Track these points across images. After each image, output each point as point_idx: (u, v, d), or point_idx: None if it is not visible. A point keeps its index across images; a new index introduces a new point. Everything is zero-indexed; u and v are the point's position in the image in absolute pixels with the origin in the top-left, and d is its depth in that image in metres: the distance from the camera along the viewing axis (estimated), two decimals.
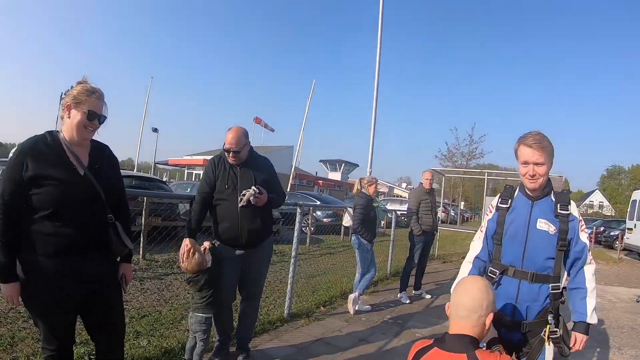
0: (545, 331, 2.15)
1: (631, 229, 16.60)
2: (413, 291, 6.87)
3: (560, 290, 2.20)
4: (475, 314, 1.71)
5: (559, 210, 2.20)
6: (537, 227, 2.21)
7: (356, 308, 5.47)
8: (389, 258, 8.52)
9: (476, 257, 2.46)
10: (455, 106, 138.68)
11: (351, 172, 48.11)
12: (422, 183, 6.91)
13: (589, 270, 2.23)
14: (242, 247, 3.41)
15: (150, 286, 5.52)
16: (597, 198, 73.14)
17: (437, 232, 7.65)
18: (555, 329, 2.14)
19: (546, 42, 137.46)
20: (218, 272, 3.23)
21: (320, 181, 41.23)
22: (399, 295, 6.50)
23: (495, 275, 2.29)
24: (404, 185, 76.01)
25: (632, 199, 17.47)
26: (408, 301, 6.35)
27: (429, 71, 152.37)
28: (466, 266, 2.49)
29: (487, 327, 1.75)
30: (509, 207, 2.33)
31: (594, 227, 23.45)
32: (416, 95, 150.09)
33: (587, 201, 72.72)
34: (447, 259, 11.71)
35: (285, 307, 4.94)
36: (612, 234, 21.38)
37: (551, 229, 2.18)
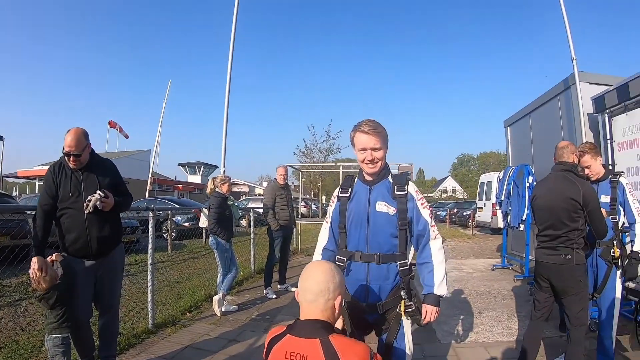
0: (400, 306, 2.26)
1: (481, 208, 18.78)
2: (279, 286, 7.08)
3: (408, 267, 2.29)
4: (322, 298, 1.69)
5: (395, 192, 2.29)
6: (377, 209, 2.28)
7: (223, 309, 5.50)
8: (252, 256, 8.56)
9: (324, 249, 2.53)
10: (312, 105, 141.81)
11: (211, 173, 46.93)
12: (276, 179, 7.05)
13: (435, 245, 2.33)
14: (92, 257, 3.24)
15: (4, 315, 5.00)
16: (450, 183, 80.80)
17: (295, 225, 7.79)
18: (409, 303, 2.26)
19: (397, 38, 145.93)
20: (70, 285, 3.06)
21: (180, 185, 39.74)
22: (264, 292, 6.65)
23: (343, 263, 2.35)
24: (264, 184, 76.50)
25: (480, 181, 19.91)
26: (274, 296, 6.53)
27: (285, 70, 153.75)
28: (316, 258, 2.53)
29: (337, 310, 1.74)
30: (349, 196, 2.41)
31: (448, 209, 26.39)
32: (272, 97, 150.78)
33: (441, 187, 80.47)
34: (311, 252, 11.99)
35: (149, 317, 4.79)
36: (464, 213, 23.40)
37: (390, 209, 2.27)
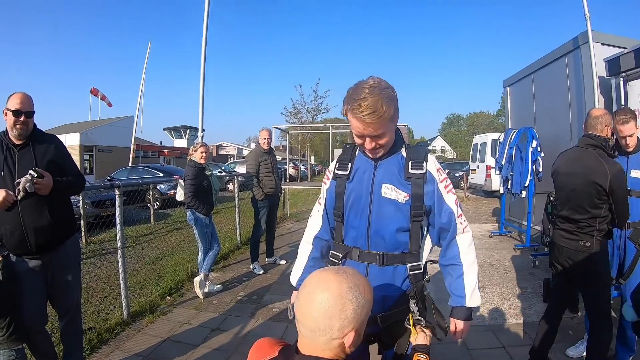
0: (408, 319, 1.72)
1: (475, 170, 18.38)
2: (266, 259, 6.66)
3: (422, 270, 1.80)
4: (322, 337, 1.17)
5: (410, 170, 1.75)
6: (382, 194, 1.75)
7: (205, 290, 5.07)
8: (237, 226, 7.89)
9: (316, 237, 2.02)
10: (299, 63, 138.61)
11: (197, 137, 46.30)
12: (259, 143, 6.39)
13: (464, 240, 1.82)
14: (33, 253, 2.68)
15: None
16: (439, 143, 79.49)
17: (281, 193, 7.15)
18: (419, 318, 1.72)
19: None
20: (11, 292, 2.55)
21: (166, 150, 38.87)
22: (251, 267, 6.23)
23: (338, 260, 1.85)
24: (252, 145, 75.80)
25: (473, 142, 19.42)
26: (262, 272, 6.11)
27: (268, 28, 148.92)
28: (305, 247, 2.05)
29: (348, 346, 1.19)
30: (348, 174, 1.86)
31: None
32: (257, 53, 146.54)
33: (430, 147, 79.79)
34: (300, 217, 11.76)
35: (124, 307, 4.29)
36: (456, 175, 22.66)
37: (401, 196, 1.73)
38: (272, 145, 6.61)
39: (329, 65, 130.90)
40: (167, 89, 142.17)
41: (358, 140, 1.74)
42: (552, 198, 5.86)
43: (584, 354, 3.40)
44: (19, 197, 2.53)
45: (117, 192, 4.28)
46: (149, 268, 6.17)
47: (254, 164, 6.20)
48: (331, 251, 1.94)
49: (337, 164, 1.92)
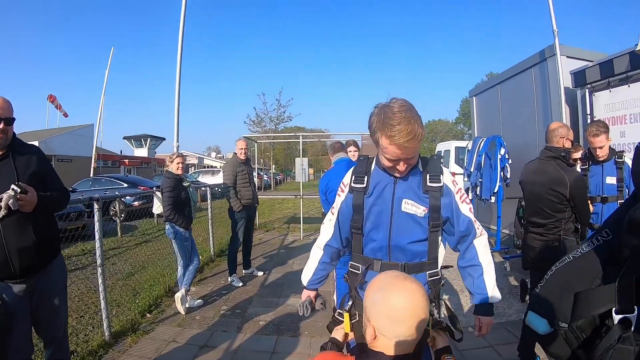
0: (429, 322, 1.77)
1: None
2: (243, 271, 6.58)
3: (439, 275, 1.93)
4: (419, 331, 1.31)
5: (428, 184, 1.85)
6: (402, 209, 1.85)
7: (187, 306, 4.94)
8: (210, 237, 7.72)
9: (327, 245, 2.14)
10: (263, 72, 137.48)
11: (158, 146, 45.16)
12: (235, 153, 6.32)
13: (480, 242, 1.96)
14: (18, 277, 2.44)
15: None
16: None
17: (258, 204, 6.97)
18: (439, 319, 1.82)
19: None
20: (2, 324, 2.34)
21: (127, 160, 37.75)
22: (229, 279, 6.14)
23: (359, 271, 1.93)
24: (213, 154, 75.06)
25: (436, 150, 19.55)
26: (241, 284, 6.02)
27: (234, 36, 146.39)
28: (316, 251, 2.19)
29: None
30: (366, 187, 1.92)
31: None
32: (224, 58, 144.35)
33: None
34: (270, 227, 11.71)
35: (105, 327, 4.07)
36: None
37: (420, 210, 1.83)
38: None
39: (290, 75, 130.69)
40: (127, 96, 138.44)
41: (389, 164, 1.80)
42: (522, 203, 6.12)
43: None
44: (1, 215, 2.29)
45: (96, 206, 4.05)
46: (123, 284, 5.95)
47: (231, 174, 6.13)
48: (351, 262, 2.00)
49: (353, 176, 1.97)
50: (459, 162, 14.49)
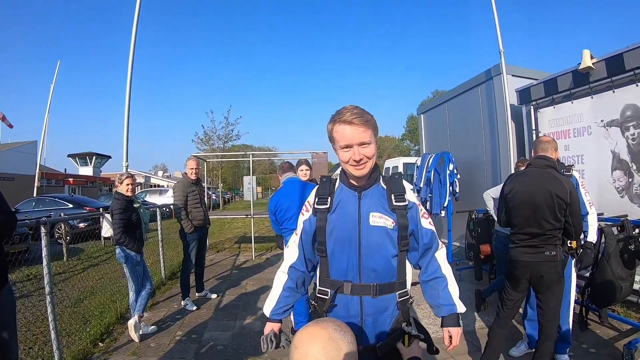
0: (404, 340, 1.79)
1: None
2: (197, 293, 6.39)
3: (408, 296, 1.90)
4: None
5: (394, 203, 1.82)
6: (371, 223, 1.79)
7: (140, 333, 4.69)
8: (161, 259, 7.40)
9: (291, 267, 2.01)
10: (210, 90, 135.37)
11: (103, 164, 43.49)
12: (185, 173, 6.19)
13: (441, 255, 1.97)
14: None
15: None
16: None
17: (209, 224, 6.80)
18: (417, 334, 1.79)
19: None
20: None
21: (71, 179, 36.02)
22: (182, 303, 5.93)
23: (327, 296, 1.84)
24: (160, 173, 73.30)
25: (385, 166, 19.97)
26: (195, 307, 5.82)
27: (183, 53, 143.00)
28: (280, 277, 2.03)
29: None
30: (329, 207, 1.86)
31: None
32: (170, 76, 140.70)
33: (338, 170, 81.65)
34: (221, 247, 11.47)
35: (56, 359, 3.79)
36: None
37: (389, 222, 1.79)
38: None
39: (238, 94, 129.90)
40: (72, 112, 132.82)
41: (344, 155, 1.78)
42: (473, 216, 6.39)
43: (526, 352, 3.88)
44: None
45: (43, 230, 3.78)
46: (72, 311, 5.57)
47: (182, 195, 5.96)
48: (318, 287, 1.91)
49: (316, 198, 1.92)
50: (407, 178, 14.77)
